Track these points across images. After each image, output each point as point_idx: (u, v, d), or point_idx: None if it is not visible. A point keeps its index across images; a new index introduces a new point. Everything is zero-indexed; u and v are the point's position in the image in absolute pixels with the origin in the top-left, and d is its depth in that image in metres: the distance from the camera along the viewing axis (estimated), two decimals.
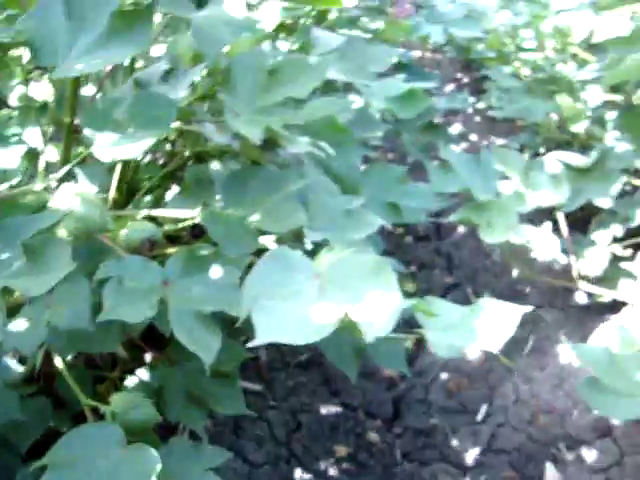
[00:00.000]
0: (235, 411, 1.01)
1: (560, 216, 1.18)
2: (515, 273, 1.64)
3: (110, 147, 0.75)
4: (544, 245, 1.02)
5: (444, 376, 1.45)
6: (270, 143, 0.89)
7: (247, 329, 1.13)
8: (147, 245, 0.84)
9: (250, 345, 0.56)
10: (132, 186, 1.14)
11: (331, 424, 1.33)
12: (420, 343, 1.56)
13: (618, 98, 1.49)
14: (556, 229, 1.27)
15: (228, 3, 0.84)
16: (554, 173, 1.14)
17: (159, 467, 0.71)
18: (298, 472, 1.23)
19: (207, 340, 0.72)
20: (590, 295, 1.46)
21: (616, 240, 1.37)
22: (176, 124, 0.95)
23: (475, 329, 0.73)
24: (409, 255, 1.74)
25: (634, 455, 1.19)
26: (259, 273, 0.64)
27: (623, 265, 1.24)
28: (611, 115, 1.46)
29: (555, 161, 1.20)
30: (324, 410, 1.35)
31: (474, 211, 1.04)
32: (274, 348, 1.41)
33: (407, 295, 0.90)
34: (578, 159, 1.22)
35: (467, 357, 1.47)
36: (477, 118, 2.27)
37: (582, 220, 1.41)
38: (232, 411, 1.01)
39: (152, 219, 1.00)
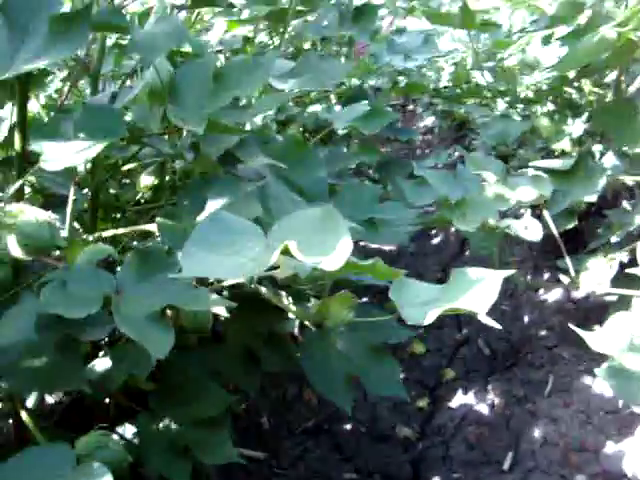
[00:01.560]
0: (224, 459, 0.92)
1: (546, 214, 1.09)
2: (526, 319, 1.56)
3: (58, 157, 0.73)
4: (526, 227, 0.94)
5: (464, 429, 1.34)
6: (227, 157, 0.87)
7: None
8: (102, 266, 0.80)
9: (172, 276, 0.50)
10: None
11: None
12: (435, 401, 1.46)
13: None
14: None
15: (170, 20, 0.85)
16: (535, 174, 1.08)
17: None
18: None
19: (158, 336, 0.66)
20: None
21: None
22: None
23: (456, 296, 0.66)
24: None
25: None
26: (198, 235, 0.59)
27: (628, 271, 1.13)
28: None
29: (535, 170, 1.14)
30: (336, 477, 1.24)
31: (449, 210, 0.98)
32: (277, 415, 1.31)
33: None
34: (558, 164, 1.16)
35: (487, 404, 1.37)
36: None
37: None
38: (221, 460, 0.92)
39: None
